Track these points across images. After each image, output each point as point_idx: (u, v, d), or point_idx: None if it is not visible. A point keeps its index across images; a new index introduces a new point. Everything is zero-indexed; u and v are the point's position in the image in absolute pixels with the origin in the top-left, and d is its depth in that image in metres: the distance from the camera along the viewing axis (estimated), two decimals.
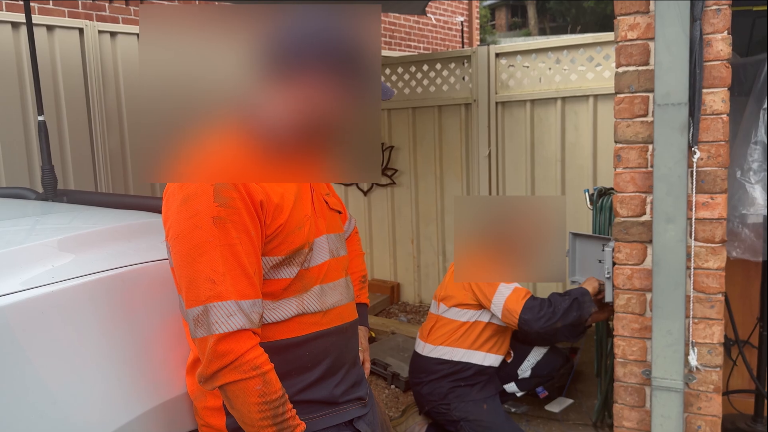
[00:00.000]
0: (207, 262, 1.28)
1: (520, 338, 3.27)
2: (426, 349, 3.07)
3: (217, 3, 1.24)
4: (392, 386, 3.73)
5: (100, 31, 4.41)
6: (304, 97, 1.23)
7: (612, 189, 2.96)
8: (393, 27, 8.84)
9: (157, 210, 2.01)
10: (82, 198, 2.46)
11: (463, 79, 4.90)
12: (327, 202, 1.59)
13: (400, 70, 5.12)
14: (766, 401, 2.79)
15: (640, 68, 2.21)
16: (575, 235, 2.94)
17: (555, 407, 3.36)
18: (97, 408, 1.35)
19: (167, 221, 1.35)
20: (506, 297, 2.82)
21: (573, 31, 21.56)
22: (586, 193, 3.04)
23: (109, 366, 1.40)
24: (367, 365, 1.86)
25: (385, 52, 8.00)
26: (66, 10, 5.16)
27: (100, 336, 1.40)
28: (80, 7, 5.22)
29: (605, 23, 19.58)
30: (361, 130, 1.19)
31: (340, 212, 1.67)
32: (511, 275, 2.51)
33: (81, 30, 4.30)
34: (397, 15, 8.81)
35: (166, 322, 1.55)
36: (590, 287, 2.81)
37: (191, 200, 1.30)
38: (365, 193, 5.40)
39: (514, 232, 2.32)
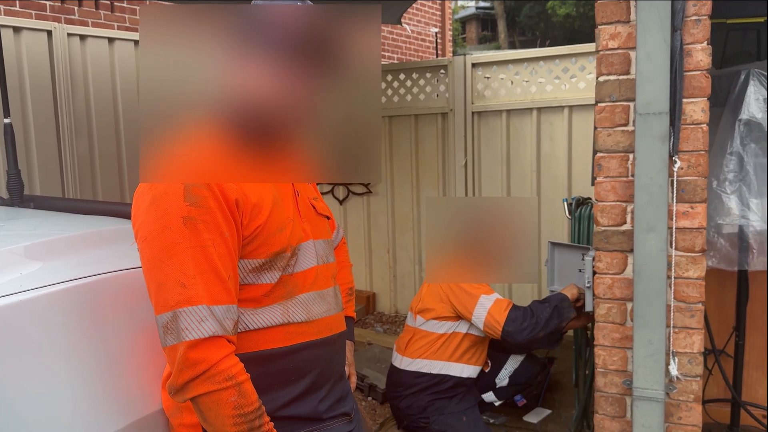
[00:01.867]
0: (176, 264, 1.22)
1: (496, 346, 3.26)
2: (404, 362, 3.03)
3: (215, 3, 1.23)
4: (369, 398, 3.68)
5: (69, 34, 4.30)
6: (305, 97, 1.19)
7: (589, 199, 2.96)
8: None
9: (128, 216, 1.94)
10: (50, 204, 2.37)
11: (440, 88, 4.90)
12: (314, 207, 1.54)
13: (389, 77, 5.11)
14: (742, 410, 2.80)
15: (621, 77, 2.21)
16: (554, 245, 2.93)
17: (533, 418, 3.34)
18: (66, 426, 1.28)
19: (136, 222, 1.29)
20: (488, 309, 2.79)
21: (542, 45, 21.87)
22: (565, 203, 3.04)
23: (79, 381, 1.33)
24: (353, 379, 1.80)
25: None
26: (33, 12, 5.03)
27: (70, 348, 1.33)
28: (48, 10, 5.10)
29: (573, 37, 19.91)
30: (362, 130, 1.16)
31: (328, 218, 1.62)
32: (483, 276, 2.49)
33: (49, 32, 4.19)
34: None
35: (140, 333, 1.48)
36: (569, 293, 2.81)
37: (160, 200, 1.23)
38: (341, 202, 5.35)
39: (486, 233, 2.29)
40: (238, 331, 1.32)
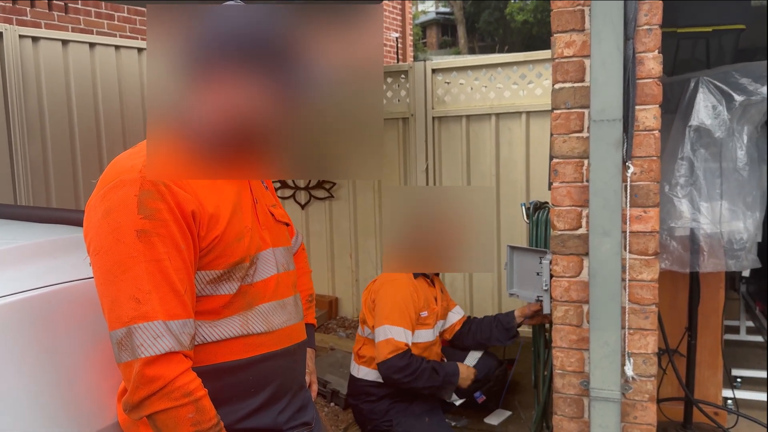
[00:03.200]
0: (130, 279, 1.19)
1: (455, 344, 3.30)
2: (361, 372, 3.06)
3: (221, 3, 1.23)
4: (332, 404, 3.66)
5: (20, 36, 4.18)
6: (306, 95, 1.17)
7: (546, 203, 3.02)
8: None
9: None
10: (2, 211, 2.30)
11: (401, 93, 4.92)
12: (273, 214, 1.52)
13: None
14: (694, 408, 2.88)
15: (576, 85, 2.26)
16: (513, 248, 2.97)
17: (494, 420, 3.38)
18: None
19: (88, 235, 1.26)
20: (382, 339, 2.88)
21: (501, 51, 22.18)
22: (523, 207, 3.09)
23: (31, 395, 1.29)
24: (314, 387, 1.79)
25: None
26: None
27: (22, 362, 1.29)
28: None
29: (531, 43, 20.26)
30: (363, 128, 1.16)
31: (287, 224, 1.61)
32: (440, 265, 2.51)
33: (0, 34, 4.07)
34: None
35: (94, 346, 1.45)
36: (464, 373, 3.04)
37: (113, 213, 1.21)
38: (303, 207, 5.32)
39: (444, 222, 2.30)
40: (196, 343, 1.30)
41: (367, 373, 3.03)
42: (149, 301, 1.20)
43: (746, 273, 3.32)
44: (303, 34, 1.14)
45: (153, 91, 1.15)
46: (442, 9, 29.30)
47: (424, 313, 3.01)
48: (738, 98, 2.61)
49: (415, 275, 3.00)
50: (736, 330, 4.21)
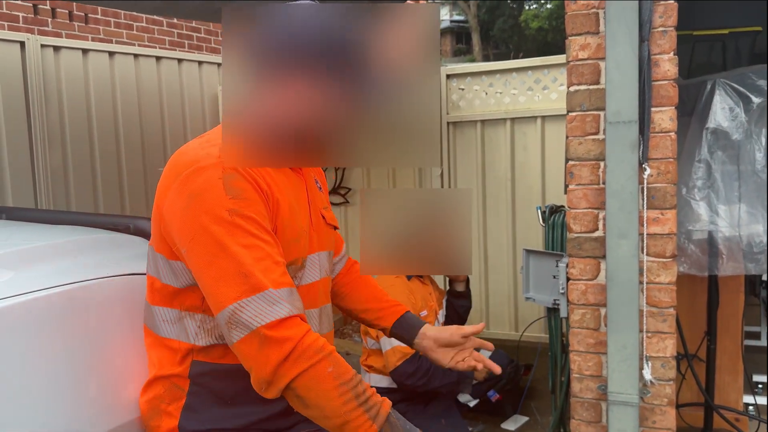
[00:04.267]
0: (231, 257, 1.19)
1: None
2: (373, 379, 3.07)
3: (291, 2, 1.30)
4: None
5: (42, 45, 4.26)
6: (371, 88, 1.19)
7: (562, 206, 3.01)
8: None
9: (103, 226, 1.92)
10: (23, 215, 2.34)
11: None
12: (324, 217, 1.53)
13: None
14: (714, 414, 2.85)
15: (591, 87, 2.26)
16: (529, 252, 2.96)
17: (511, 425, 3.36)
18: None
19: (174, 226, 1.25)
20: (386, 350, 2.90)
21: (515, 57, 22.16)
22: (539, 210, 3.08)
23: (54, 391, 1.31)
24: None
25: None
26: (6, 23, 4.98)
27: (44, 358, 1.31)
28: (21, 21, 5.05)
29: (546, 50, 20.24)
30: (422, 119, 1.19)
31: (336, 228, 1.62)
32: (416, 268, 2.51)
33: (22, 44, 4.14)
34: None
35: (116, 342, 1.47)
36: None
37: (200, 197, 1.22)
38: None
39: (422, 225, 2.30)
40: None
41: (379, 380, 3.03)
42: (254, 274, 1.18)
43: (766, 277, 3.27)
44: (368, 31, 1.18)
45: (229, 84, 1.18)
46: (456, 17, 29.37)
47: (424, 312, 3.01)
48: (756, 100, 2.60)
49: (408, 277, 3.02)
50: (757, 336, 4.15)
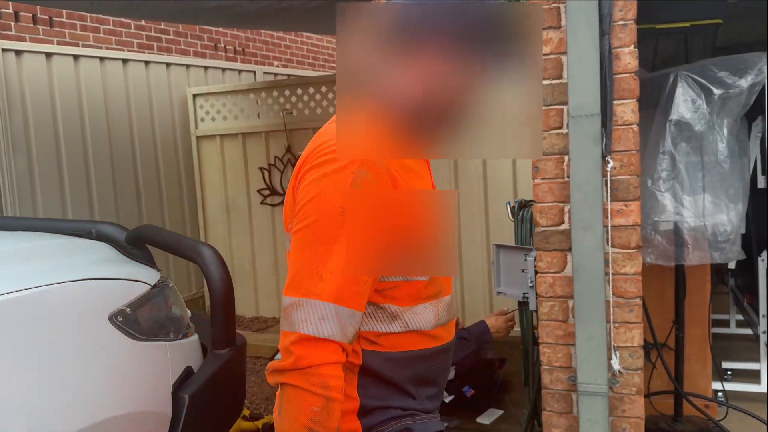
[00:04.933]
0: (321, 254, 1.17)
1: None
2: None
3: (402, 2, 1.35)
4: None
5: (3, 49, 4.18)
6: (477, 84, 1.20)
7: (531, 201, 3.03)
8: (316, 49, 8.85)
9: (65, 232, 1.89)
10: None
11: None
12: None
13: (324, 89, 5.11)
14: (684, 401, 2.89)
15: (554, 82, 2.28)
16: (499, 247, 2.98)
17: (486, 419, 3.38)
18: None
19: (300, 189, 1.24)
20: None
21: None
22: (508, 206, 3.10)
23: (4, 395, 1.29)
24: None
25: (307, 73, 7.99)
26: None
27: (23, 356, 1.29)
28: None
29: None
30: (525, 114, 1.20)
31: None
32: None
33: None
34: (319, 37, 8.83)
35: (64, 348, 1.44)
36: (493, 326, 3.09)
37: (326, 180, 1.20)
38: None
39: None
40: (397, 331, 1.30)
41: None
42: (330, 280, 1.16)
43: (732, 265, 3.33)
44: (479, 27, 1.20)
45: (343, 79, 1.18)
46: None
47: None
48: (717, 91, 2.64)
49: None
50: (726, 323, 4.23)
